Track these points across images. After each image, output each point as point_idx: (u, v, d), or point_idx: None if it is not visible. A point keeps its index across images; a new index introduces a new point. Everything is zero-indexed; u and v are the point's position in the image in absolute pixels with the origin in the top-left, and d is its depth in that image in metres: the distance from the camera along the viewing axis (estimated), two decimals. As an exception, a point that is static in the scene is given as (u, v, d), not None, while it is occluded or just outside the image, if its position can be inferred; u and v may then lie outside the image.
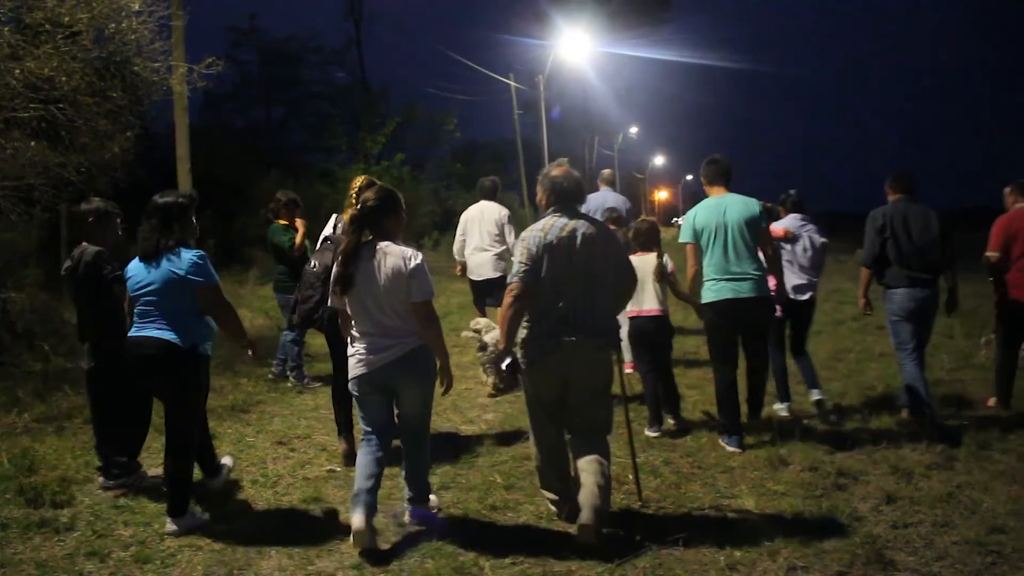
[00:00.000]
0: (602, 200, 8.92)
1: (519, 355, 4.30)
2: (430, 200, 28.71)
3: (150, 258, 4.44)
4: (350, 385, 4.35)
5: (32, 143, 8.39)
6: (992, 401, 6.55)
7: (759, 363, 6.05)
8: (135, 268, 4.51)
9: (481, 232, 8.15)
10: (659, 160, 77.85)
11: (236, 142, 27.77)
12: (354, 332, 4.32)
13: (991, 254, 6.41)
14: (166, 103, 12.08)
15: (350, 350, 4.34)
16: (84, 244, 5.02)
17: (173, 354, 4.36)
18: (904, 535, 4.17)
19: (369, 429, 4.37)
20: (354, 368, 4.29)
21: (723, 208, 5.69)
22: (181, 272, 4.37)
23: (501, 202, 8.52)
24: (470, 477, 5.17)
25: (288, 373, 7.93)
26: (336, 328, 4.82)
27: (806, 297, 6.57)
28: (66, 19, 8.10)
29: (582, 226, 4.29)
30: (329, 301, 4.57)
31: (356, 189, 5.33)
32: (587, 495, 4.12)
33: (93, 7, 8.28)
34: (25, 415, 6.62)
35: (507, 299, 4.24)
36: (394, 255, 4.20)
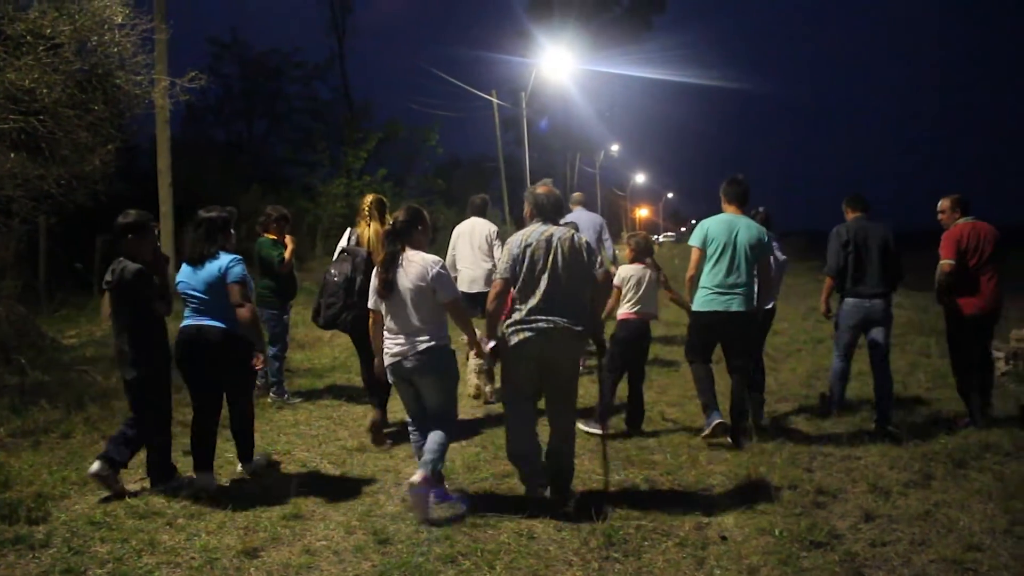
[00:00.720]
0: (577, 220, 9.19)
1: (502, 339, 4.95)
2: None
3: (196, 262, 5.30)
4: (388, 374, 5.12)
5: (12, 155, 8.33)
6: (965, 421, 6.58)
7: (742, 381, 6.25)
8: (185, 271, 5.37)
9: (472, 247, 8.30)
10: (640, 178, 78.26)
11: (217, 156, 27.70)
12: (387, 330, 5.03)
13: (947, 261, 6.51)
14: (147, 116, 12.06)
15: (386, 345, 5.03)
16: (123, 259, 5.17)
17: (228, 338, 5.26)
18: (882, 553, 4.20)
19: (409, 419, 5.25)
20: (387, 360, 5.04)
21: (735, 227, 6.11)
22: (220, 273, 5.22)
23: (490, 219, 8.63)
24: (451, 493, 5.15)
25: (269, 389, 7.89)
26: (361, 329, 5.71)
27: (768, 306, 6.91)
28: (48, 31, 8.08)
29: (558, 232, 4.98)
30: (370, 303, 5.13)
31: (368, 205, 6.75)
32: (552, 469, 5.02)
33: (76, 19, 8.27)
34: (0, 429, 6.54)
35: (492, 293, 4.97)
36: (417, 264, 4.92)
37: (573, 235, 5.02)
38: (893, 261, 6.60)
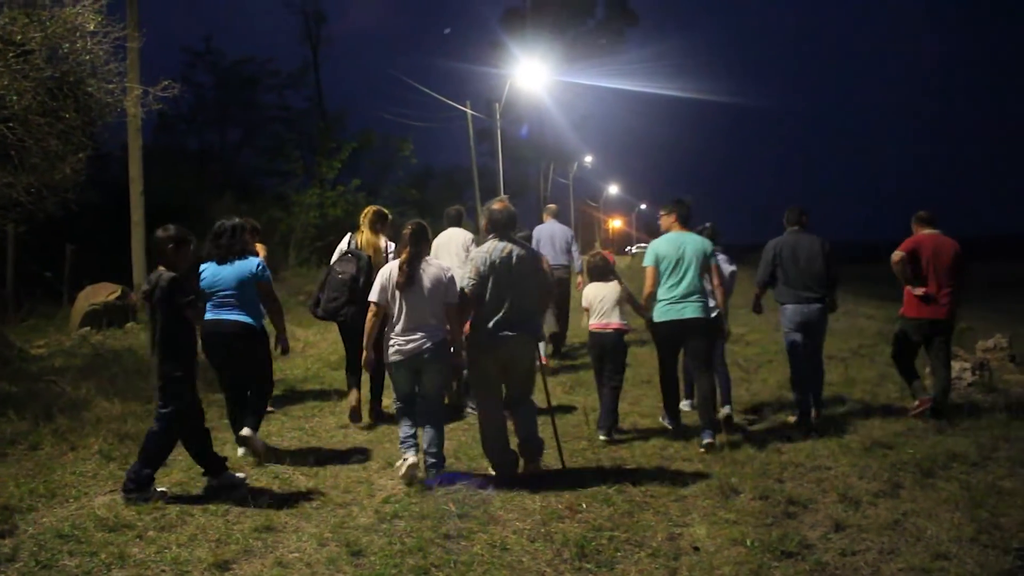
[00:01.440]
0: (550, 230, 10.81)
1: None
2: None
3: (223, 262, 6.09)
4: (388, 366, 5.72)
5: (-20, 162, 8.25)
6: (915, 405, 7.15)
7: (705, 385, 6.63)
8: (212, 269, 6.11)
9: (450, 256, 8.31)
10: (613, 189, 78.51)
11: (190, 164, 27.52)
12: (395, 326, 5.62)
13: (897, 252, 7.13)
14: (119, 124, 11.97)
15: (390, 340, 5.64)
16: (161, 269, 5.35)
17: (250, 331, 6.08)
18: (852, 563, 4.24)
19: (401, 403, 5.73)
20: (393, 354, 5.62)
21: (683, 243, 6.66)
22: (249, 271, 6.07)
23: (466, 228, 8.74)
24: (423, 505, 5.13)
25: None
26: (360, 323, 6.23)
27: (715, 315, 7.03)
28: (18, 37, 8.01)
29: (517, 249, 5.60)
30: (375, 297, 5.72)
31: (368, 215, 7.62)
32: (524, 443, 5.76)
33: (46, 26, 8.20)
34: (-34, 441, 6.45)
35: (460, 304, 5.62)
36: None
37: (527, 250, 5.70)
38: (827, 269, 7.16)
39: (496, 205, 5.83)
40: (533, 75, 30.40)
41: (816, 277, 7.14)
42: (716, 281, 6.76)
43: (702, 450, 6.25)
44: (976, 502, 4.94)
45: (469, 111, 27.70)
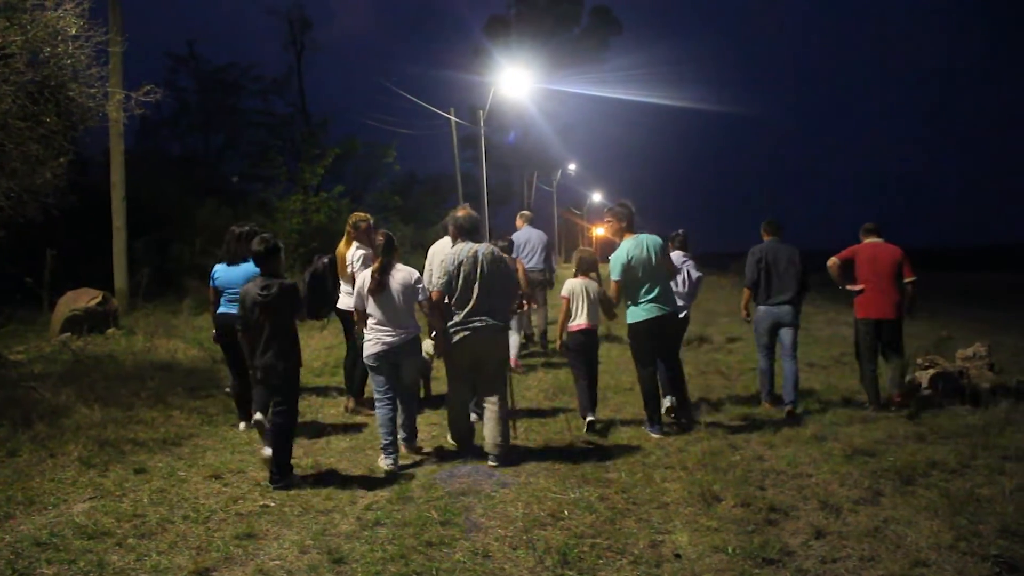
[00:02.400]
0: (527, 236, 11.54)
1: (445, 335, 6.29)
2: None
3: (232, 263, 7.15)
4: (367, 359, 6.30)
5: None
6: (872, 407, 7.84)
7: (676, 373, 7.39)
8: (223, 269, 7.19)
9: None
10: (597, 196, 78.58)
11: (172, 169, 27.35)
12: (372, 324, 6.25)
13: (832, 259, 8.13)
14: (101, 128, 11.88)
15: (368, 336, 6.27)
16: (272, 277, 5.82)
17: None
18: (833, 570, 4.26)
19: (382, 391, 6.27)
20: (372, 348, 6.23)
21: (643, 245, 7.19)
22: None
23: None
24: (405, 512, 5.12)
25: None
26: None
27: (682, 315, 8.05)
28: (-1, 41, 7.95)
29: (482, 248, 6.33)
30: (353, 304, 6.45)
31: (352, 223, 7.83)
32: (491, 436, 6.24)
33: (27, 30, 8.15)
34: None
35: (433, 300, 6.28)
36: (404, 271, 6.33)
37: (493, 250, 6.40)
38: (799, 275, 7.97)
39: (460, 212, 6.65)
40: (517, 82, 30.47)
41: (790, 283, 7.97)
42: (669, 267, 7.35)
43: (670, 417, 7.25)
44: (955, 509, 4.97)
45: (453, 118, 27.69)
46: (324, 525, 4.92)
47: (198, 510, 5.19)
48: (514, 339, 10.22)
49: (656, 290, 7.10)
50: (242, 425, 7.28)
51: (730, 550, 4.47)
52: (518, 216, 12.39)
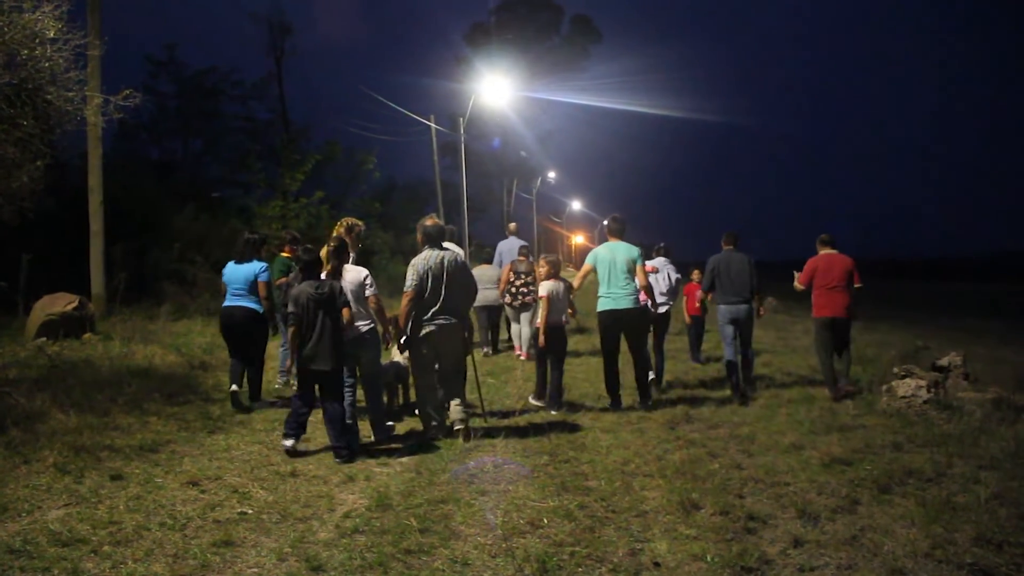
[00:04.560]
0: (510, 245, 14.05)
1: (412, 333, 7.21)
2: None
3: (239, 263, 8.56)
4: None
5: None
6: (832, 395, 9.01)
7: (641, 360, 8.80)
8: (231, 267, 8.60)
9: None
10: (576, 205, 78.86)
11: (151, 174, 27.14)
12: None
13: (798, 285, 9.69)
14: (79, 132, 11.77)
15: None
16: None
17: (254, 315, 8.54)
18: (811, 578, 4.28)
19: (348, 382, 7.27)
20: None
21: (616, 250, 8.72)
22: (254, 272, 8.50)
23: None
24: (384, 520, 5.10)
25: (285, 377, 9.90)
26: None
27: (663, 310, 10.29)
28: (-25, 44, 7.87)
29: (448, 255, 7.22)
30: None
31: (347, 225, 7.91)
32: (455, 413, 7.22)
33: (4, 32, 8.07)
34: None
35: (404, 300, 7.12)
36: (353, 271, 7.18)
37: (456, 256, 7.33)
38: (751, 279, 9.56)
39: (428, 222, 7.43)
40: (498, 90, 30.52)
41: (743, 285, 9.54)
42: (641, 281, 8.67)
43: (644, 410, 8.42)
44: (931, 518, 5.01)
45: (433, 125, 27.71)
46: (302, 532, 4.89)
47: (175, 517, 5.15)
48: (526, 331, 12.64)
49: (613, 287, 8.58)
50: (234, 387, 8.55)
51: (709, 558, 4.48)
52: (507, 226, 15.26)
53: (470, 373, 8.10)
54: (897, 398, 8.24)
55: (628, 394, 8.88)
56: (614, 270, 8.58)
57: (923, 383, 8.35)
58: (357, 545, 4.69)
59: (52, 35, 8.43)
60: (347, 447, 6.56)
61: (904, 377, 8.57)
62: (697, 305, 11.85)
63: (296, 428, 6.75)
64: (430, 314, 7.07)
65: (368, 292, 7.11)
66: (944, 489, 5.67)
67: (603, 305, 8.64)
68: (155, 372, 10.13)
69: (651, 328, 9.76)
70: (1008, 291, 44.88)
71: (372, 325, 7.15)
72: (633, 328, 8.71)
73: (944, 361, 9.37)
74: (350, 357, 7.07)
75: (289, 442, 6.68)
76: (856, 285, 9.33)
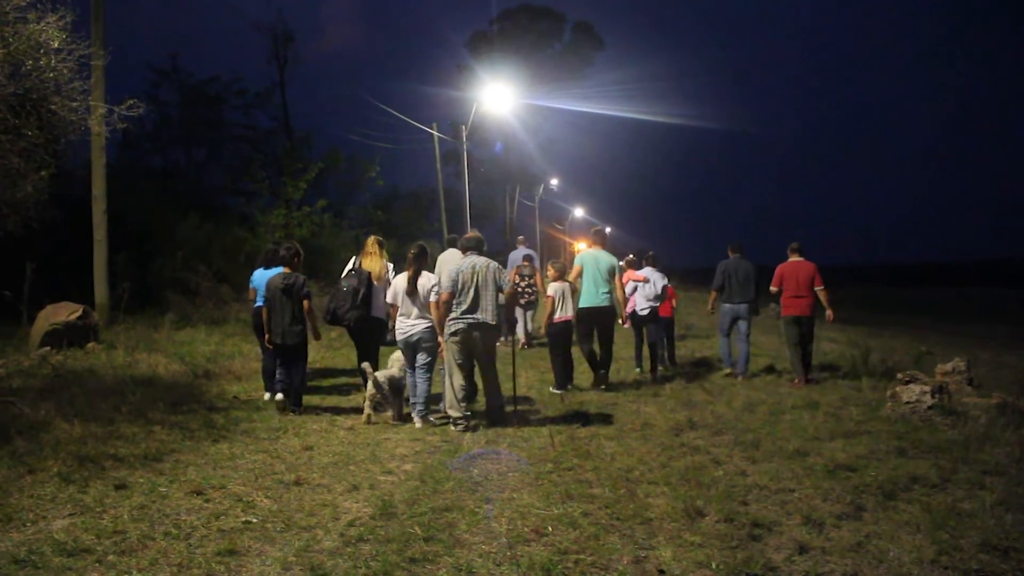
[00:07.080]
0: (519, 253, 15.50)
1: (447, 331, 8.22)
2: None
3: (267, 268, 9.50)
4: (399, 343, 8.46)
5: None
6: (797, 381, 10.60)
7: (606, 349, 10.59)
8: (260, 273, 9.68)
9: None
10: (579, 212, 78.79)
11: (154, 183, 27.17)
12: (400, 316, 8.41)
13: (773, 288, 11.01)
14: (82, 141, 11.80)
15: (397, 326, 8.44)
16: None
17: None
18: (816, 585, 4.27)
19: (405, 370, 8.55)
20: (400, 335, 8.40)
21: (597, 258, 10.47)
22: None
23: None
24: (388, 528, 5.10)
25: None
26: (361, 326, 9.14)
27: (648, 313, 11.72)
28: (-20, 54, 7.90)
29: (481, 261, 8.23)
30: (389, 299, 8.58)
31: (372, 243, 9.44)
32: (489, 402, 8.37)
33: (9, 42, 8.10)
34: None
35: (441, 300, 8.09)
36: (428, 277, 8.40)
37: (489, 263, 8.23)
38: (752, 283, 11.36)
39: (468, 234, 8.68)
40: (500, 98, 30.54)
41: (747, 290, 11.36)
42: (617, 283, 10.55)
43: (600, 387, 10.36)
44: (937, 524, 5.00)
45: (436, 133, 27.76)
46: (307, 541, 4.89)
47: (179, 526, 5.15)
48: (529, 324, 15.14)
49: (593, 288, 10.31)
50: (267, 396, 9.46)
51: (714, 565, 4.47)
52: (517, 239, 17.78)
53: (508, 367, 9.07)
54: (901, 404, 8.23)
55: (628, 390, 9.46)
56: (596, 274, 10.34)
57: (927, 389, 8.33)
58: (362, 554, 4.69)
59: (56, 45, 8.47)
60: (296, 404, 8.60)
61: (908, 383, 8.56)
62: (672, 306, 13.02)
63: (275, 382, 8.85)
64: (460, 313, 8.03)
65: (432, 297, 8.24)
66: (949, 495, 5.67)
67: (583, 302, 10.43)
68: (159, 381, 10.13)
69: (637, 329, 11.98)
70: (1013, 296, 44.78)
71: (430, 325, 8.26)
72: (604, 323, 10.51)
73: (948, 367, 9.36)
74: (412, 346, 8.31)
75: (279, 396, 8.64)
76: (818, 287, 10.76)
